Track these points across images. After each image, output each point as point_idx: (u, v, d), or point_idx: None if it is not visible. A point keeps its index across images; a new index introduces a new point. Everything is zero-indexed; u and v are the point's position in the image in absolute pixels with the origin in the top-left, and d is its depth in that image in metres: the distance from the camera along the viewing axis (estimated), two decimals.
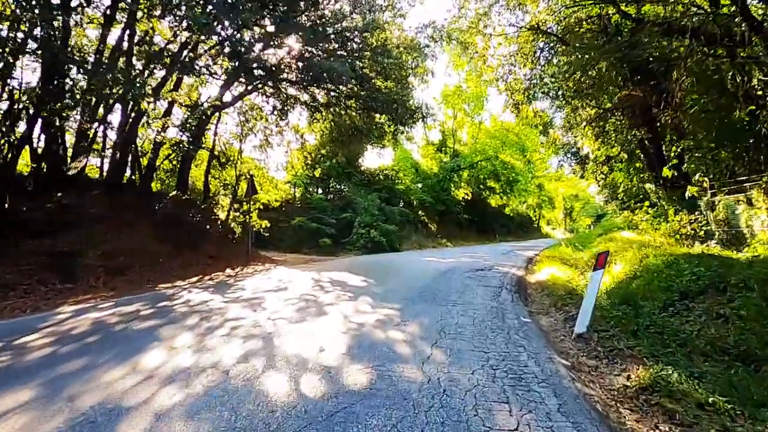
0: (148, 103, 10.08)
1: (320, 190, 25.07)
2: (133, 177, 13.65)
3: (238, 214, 15.21)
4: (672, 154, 10.36)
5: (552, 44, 12.72)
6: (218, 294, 7.47)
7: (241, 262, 13.65)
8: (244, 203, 15.38)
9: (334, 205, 23.52)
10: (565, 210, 68.37)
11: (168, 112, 13.15)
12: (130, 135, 11.40)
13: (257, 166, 18.70)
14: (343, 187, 25.09)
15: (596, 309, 5.25)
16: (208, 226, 13.68)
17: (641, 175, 12.88)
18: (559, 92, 12.00)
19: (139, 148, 13.10)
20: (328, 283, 8.94)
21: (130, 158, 13.19)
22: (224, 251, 13.95)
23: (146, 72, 10.50)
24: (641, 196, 14.76)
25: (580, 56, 10.87)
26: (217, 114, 16.36)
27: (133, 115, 11.25)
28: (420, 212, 29.69)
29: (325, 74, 12.30)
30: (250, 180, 14.72)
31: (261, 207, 16.66)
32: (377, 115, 15.02)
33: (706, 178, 9.72)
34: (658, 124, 11.45)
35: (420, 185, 31.04)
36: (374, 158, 32.51)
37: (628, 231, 14.58)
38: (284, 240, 20.64)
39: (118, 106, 11.18)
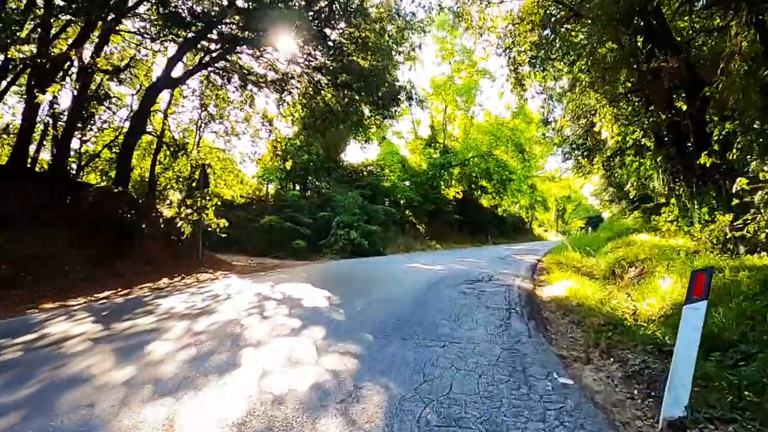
0: (39, 60, 7.63)
1: (297, 187, 22.71)
2: (56, 164, 11.20)
3: (190, 211, 12.81)
4: (716, 137, 8.27)
5: (562, 14, 10.60)
6: (101, 322, 5.12)
7: (186, 269, 11.25)
8: (199, 199, 12.99)
9: (311, 203, 21.18)
10: (557, 212, 66.93)
11: (85, 84, 10.66)
12: (31, 109, 8.95)
13: (222, 157, 16.28)
14: (321, 183, 22.77)
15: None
16: (147, 226, 11.25)
17: (666, 166, 10.80)
18: (573, 66, 9.87)
19: (56, 128, 10.65)
20: (276, 303, 6.64)
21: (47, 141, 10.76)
22: (168, 256, 11.53)
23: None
24: (659, 194, 12.77)
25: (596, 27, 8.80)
26: (167, 94, 13.96)
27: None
28: (407, 212, 27.48)
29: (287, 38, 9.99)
30: (202, 170, 12.35)
31: (219, 203, 14.27)
32: (355, 96, 12.72)
33: (765, 168, 7.61)
34: (692, 102, 9.38)
35: (408, 183, 28.84)
36: (358, 153, 30.27)
37: (646, 234, 12.55)
38: (252, 242, 18.24)
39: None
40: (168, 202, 12.75)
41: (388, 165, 26.74)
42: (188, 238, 12.45)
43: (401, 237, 23.65)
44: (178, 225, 12.15)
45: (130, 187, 13.65)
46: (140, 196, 13.08)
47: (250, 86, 13.32)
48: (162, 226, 11.47)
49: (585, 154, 14.03)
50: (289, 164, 16.73)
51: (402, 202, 26.92)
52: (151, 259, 10.99)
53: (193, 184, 13.66)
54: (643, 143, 10.43)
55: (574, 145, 14.18)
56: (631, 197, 16.37)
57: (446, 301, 6.70)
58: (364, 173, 24.86)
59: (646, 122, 10.11)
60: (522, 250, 20.09)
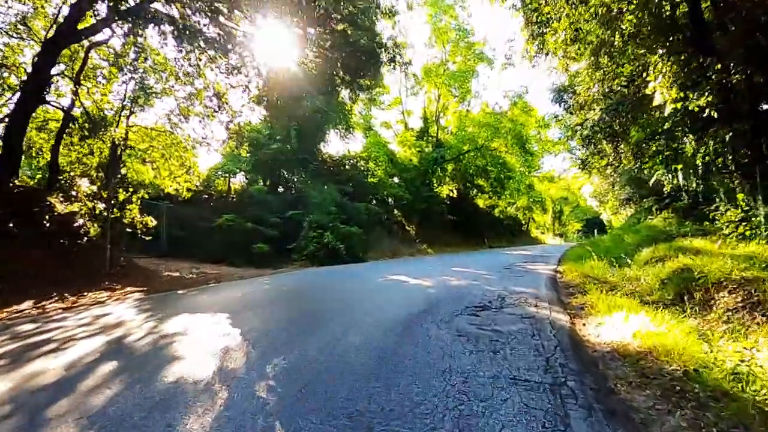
0: None
1: (268, 181, 19.65)
2: None
3: (103, 206, 9.73)
4: None
5: None
6: None
7: (81, 285, 8.17)
8: (117, 190, 9.93)
9: (280, 200, 18.14)
10: (555, 213, 64.49)
11: None
12: None
13: (163, 142, 13.16)
14: (294, 177, 19.76)
15: None
16: (25, 226, 8.15)
17: (734, 147, 7.95)
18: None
19: None
20: (127, 359, 3.66)
21: None
22: (56, 267, 8.44)
23: None
24: (716, 187, 9.99)
25: None
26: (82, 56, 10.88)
27: None
28: (395, 211, 24.54)
29: None
30: (112, 151, 9.30)
31: (146, 196, 11.22)
32: (327, 54, 9.74)
33: None
34: None
35: (396, 179, 25.90)
36: (339, 145, 27.35)
37: (697, 239, 9.76)
38: (206, 246, 15.18)
39: None
40: (73, 194, 9.63)
41: (374, 158, 23.74)
42: (96, 240, 9.37)
43: (387, 239, 20.69)
44: (80, 224, 9.06)
45: (29, 175, 10.58)
46: (40, 187, 10.00)
47: (186, 44, 10.25)
48: (48, 225, 8.35)
49: (608, 136, 11.19)
50: (244, 151, 13.65)
51: (389, 200, 23.98)
52: (29, 273, 7.90)
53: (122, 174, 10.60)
54: (706, 114, 7.55)
55: (602, 122, 11.16)
56: (662, 193, 13.59)
57: (436, 357, 3.75)
58: (346, 166, 21.85)
59: (712, 84, 7.24)
60: (527, 256, 17.19)
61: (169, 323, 5.21)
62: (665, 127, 10.57)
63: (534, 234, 51.61)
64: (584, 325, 5.29)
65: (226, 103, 13.03)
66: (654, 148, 11.27)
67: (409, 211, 24.62)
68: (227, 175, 18.24)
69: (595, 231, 44.66)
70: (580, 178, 50.63)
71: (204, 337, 4.48)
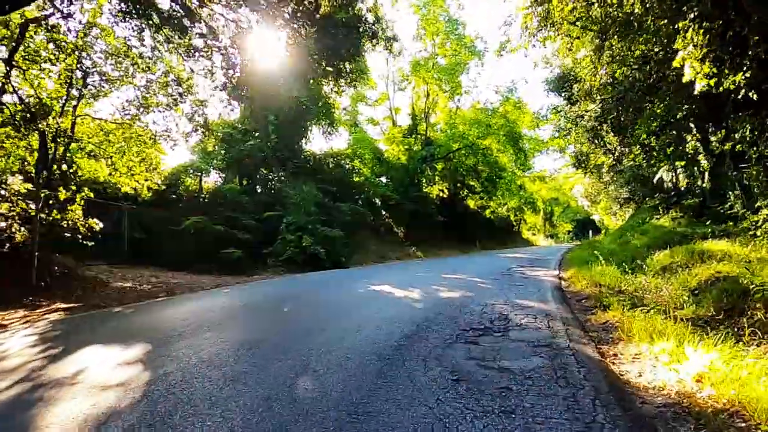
0: None
1: (244, 180, 18.23)
2: None
3: (35, 206, 8.28)
4: None
5: None
6: None
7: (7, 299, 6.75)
8: (60, 189, 8.52)
9: (257, 201, 16.74)
10: (545, 214, 63.81)
11: None
12: None
13: (122, 135, 11.70)
14: (273, 176, 18.38)
15: None
16: None
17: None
18: None
19: None
20: None
21: None
22: None
23: None
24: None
25: None
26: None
27: None
28: (383, 212, 23.28)
29: None
30: (42, 142, 7.89)
31: (91, 195, 9.79)
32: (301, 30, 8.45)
33: None
34: None
35: (384, 179, 24.64)
36: (323, 143, 26.00)
37: (714, 241, 8.70)
38: (171, 251, 13.74)
39: None
40: (2, 192, 8.16)
41: (360, 156, 22.42)
42: (25, 247, 7.92)
43: (373, 243, 19.41)
44: (2, 228, 7.62)
45: None
46: None
47: (135, 19, 8.85)
48: None
49: (615, 126, 10.08)
50: (210, 145, 12.28)
51: (376, 200, 22.71)
52: None
53: (54, 170, 9.15)
54: (741, 96, 6.43)
55: (607, 112, 9.98)
56: (669, 190, 12.55)
57: (422, 426, 2.48)
58: (330, 164, 20.50)
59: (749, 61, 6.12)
60: (523, 259, 16.04)
61: (62, 363, 3.87)
62: (678, 116, 9.49)
63: (525, 235, 50.75)
64: (616, 357, 4.06)
65: (190, 92, 11.65)
66: (664, 140, 10.16)
67: (397, 212, 23.37)
68: (199, 173, 16.79)
69: (590, 232, 43.86)
70: (572, 178, 50.04)
71: (93, 389, 3.14)
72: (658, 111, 9.62)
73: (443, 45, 26.86)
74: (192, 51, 10.13)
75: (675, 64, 6.07)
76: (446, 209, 27.12)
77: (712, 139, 7.49)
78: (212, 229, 14.40)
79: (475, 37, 28.24)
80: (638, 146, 10.25)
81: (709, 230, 8.92)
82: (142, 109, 11.85)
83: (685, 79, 6.02)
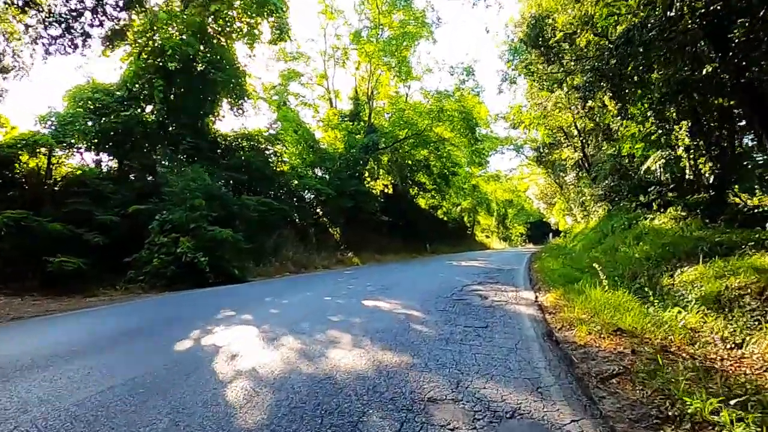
0: None
1: (112, 163, 13.53)
2: None
3: None
4: None
5: None
6: None
7: None
8: None
9: (128, 190, 12.19)
10: (499, 216, 62.16)
11: None
12: None
13: None
14: (161, 159, 13.86)
15: None
16: None
17: None
18: None
19: None
20: None
21: None
22: None
23: None
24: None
25: None
26: None
27: None
28: (316, 210, 19.29)
29: None
30: None
31: None
32: None
33: None
34: None
35: (319, 171, 20.62)
36: (234, 121, 21.71)
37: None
38: None
39: None
40: None
41: (285, 139, 18.23)
42: None
43: (296, 248, 15.34)
44: None
45: None
46: None
47: None
48: None
49: (617, 86, 6.91)
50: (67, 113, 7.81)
51: (306, 195, 18.66)
52: None
53: None
54: None
55: (604, 62, 6.87)
56: (666, 183, 9.63)
57: None
58: (245, 148, 16.17)
59: None
60: (481, 269, 12.61)
61: None
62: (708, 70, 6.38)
63: (479, 238, 48.40)
64: None
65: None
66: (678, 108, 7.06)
67: (333, 209, 19.41)
68: (43, 148, 11.98)
69: (550, 235, 41.99)
70: (527, 179, 48.27)
71: None
72: (678, 64, 6.43)
73: (389, 14, 23.25)
74: None
75: None
76: (392, 207, 23.52)
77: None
78: (42, 229, 9.80)
79: (426, 5, 24.86)
80: (650, 111, 7.14)
81: (757, 236, 5.80)
82: None
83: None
